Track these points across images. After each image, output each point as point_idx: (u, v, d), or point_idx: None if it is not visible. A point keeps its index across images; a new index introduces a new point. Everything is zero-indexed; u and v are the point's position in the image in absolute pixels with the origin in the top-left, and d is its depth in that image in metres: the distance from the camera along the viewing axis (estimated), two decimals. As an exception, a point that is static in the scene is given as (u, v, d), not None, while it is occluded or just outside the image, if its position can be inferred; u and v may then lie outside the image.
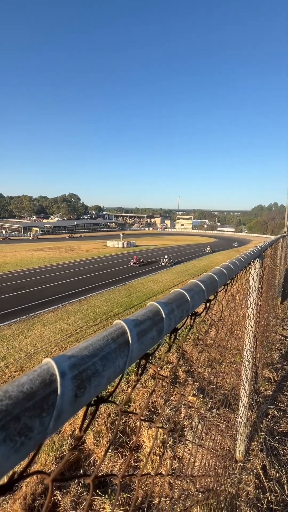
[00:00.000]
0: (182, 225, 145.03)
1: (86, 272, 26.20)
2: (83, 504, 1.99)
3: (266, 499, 1.85)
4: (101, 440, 2.68)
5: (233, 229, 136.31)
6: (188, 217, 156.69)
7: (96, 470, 0.44)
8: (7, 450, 0.24)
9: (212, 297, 0.96)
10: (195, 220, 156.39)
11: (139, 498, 1.94)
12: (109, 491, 2.05)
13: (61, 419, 0.30)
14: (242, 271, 1.66)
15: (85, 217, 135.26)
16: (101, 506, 1.95)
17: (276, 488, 1.93)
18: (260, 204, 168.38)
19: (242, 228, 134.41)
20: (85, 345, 0.38)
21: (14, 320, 14.02)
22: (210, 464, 1.75)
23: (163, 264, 31.58)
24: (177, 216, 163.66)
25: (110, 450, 2.45)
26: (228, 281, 1.21)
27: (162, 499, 1.91)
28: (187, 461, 2.20)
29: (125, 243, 51.19)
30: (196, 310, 0.81)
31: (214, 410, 2.74)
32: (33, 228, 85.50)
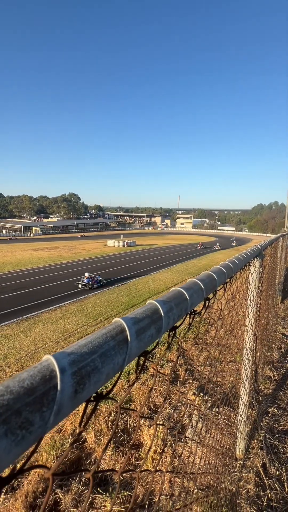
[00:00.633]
0: (183, 224, 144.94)
1: (86, 272, 26.23)
2: (84, 503, 2.00)
3: (266, 497, 1.86)
4: (102, 439, 2.70)
5: (233, 228, 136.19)
6: (188, 216, 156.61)
7: (96, 465, 0.45)
8: (8, 443, 0.25)
9: (211, 295, 0.96)
10: (196, 219, 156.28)
11: (140, 495, 1.95)
12: (110, 489, 2.06)
13: (61, 414, 0.30)
14: (241, 270, 1.66)
15: (85, 216, 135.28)
16: (102, 504, 1.96)
17: (276, 485, 1.94)
18: (261, 203, 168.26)
19: (243, 227, 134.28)
20: (85, 342, 0.39)
21: (15, 319, 14.05)
22: (211, 462, 1.76)
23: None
24: (177, 215, 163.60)
25: (111, 448, 2.46)
26: (228, 280, 1.21)
27: (163, 496, 1.92)
28: (187, 459, 2.21)
29: (125, 242, 51.20)
30: (195, 309, 0.81)
31: (214, 409, 2.75)
32: (33, 228, 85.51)
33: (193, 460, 1.84)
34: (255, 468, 2.10)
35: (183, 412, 2.80)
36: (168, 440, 2.45)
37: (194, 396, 3.04)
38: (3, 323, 13.53)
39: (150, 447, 0.81)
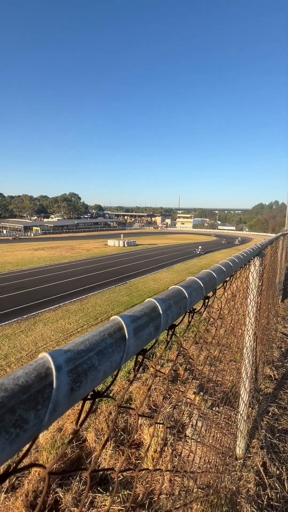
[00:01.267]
0: (183, 223, 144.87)
1: (87, 271, 26.24)
2: (84, 499, 2.00)
3: (266, 496, 1.86)
4: (102, 438, 2.70)
5: (233, 228, 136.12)
6: (188, 215, 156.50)
7: (94, 464, 0.45)
8: (2, 442, 0.24)
9: (210, 294, 0.96)
10: (196, 218, 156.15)
11: (140, 494, 1.95)
12: (110, 488, 2.06)
13: (56, 412, 0.30)
14: (241, 269, 1.66)
15: (86, 216, 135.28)
16: (102, 503, 1.96)
17: (277, 485, 1.94)
18: (261, 202, 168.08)
19: (243, 227, 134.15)
20: (82, 340, 0.38)
21: (15, 319, 14.06)
22: (211, 461, 1.76)
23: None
24: (178, 215, 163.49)
25: (111, 447, 2.46)
26: (227, 279, 1.21)
27: (163, 495, 1.92)
28: (187, 458, 2.21)
29: (125, 242, 51.20)
30: (194, 307, 0.81)
31: (214, 408, 2.74)
32: (34, 228, 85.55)
33: (193, 459, 1.84)
34: (255, 467, 2.09)
35: (183, 411, 2.80)
36: (168, 439, 2.45)
37: (194, 395, 3.04)
38: (4, 323, 13.55)
39: (149, 446, 0.81)
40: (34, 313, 15.00)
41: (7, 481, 2.23)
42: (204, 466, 1.72)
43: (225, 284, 1.19)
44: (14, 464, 0.28)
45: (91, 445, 2.64)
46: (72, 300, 17.33)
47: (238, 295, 1.90)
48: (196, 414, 2.69)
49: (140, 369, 0.57)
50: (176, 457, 2.28)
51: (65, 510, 1.98)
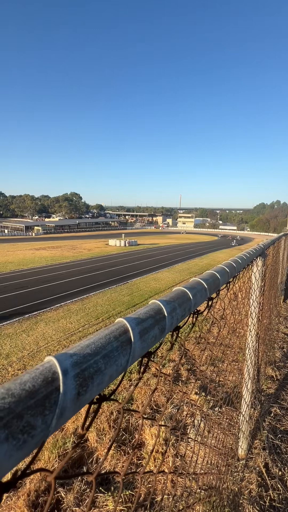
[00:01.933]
0: (184, 223, 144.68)
1: (88, 271, 26.25)
2: (86, 501, 2.00)
3: (268, 497, 1.86)
4: (104, 438, 2.70)
5: (235, 227, 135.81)
6: (190, 215, 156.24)
7: (99, 468, 0.45)
8: (10, 448, 0.24)
9: (214, 295, 0.95)
10: (197, 218, 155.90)
11: (142, 495, 1.95)
12: (112, 488, 2.06)
13: (63, 417, 0.30)
14: (244, 269, 1.65)
15: (87, 216, 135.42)
16: (104, 503, 1.96)
17: (279, 486, 1.93)
18: (262, 202, 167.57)
19: (244, 226, 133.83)
20: (87, 343, 0.38)
21: (16, 319, 14.10)
22: (213, 462, 1.76)
23: None
24: (179, 215, 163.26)
25: (113, 448, 2.46)
26: (230, 279, 1.20)
27: (165, 496, 1.92)
28: (189, 459, 2.21)
29: (126, 242, 51.19)
30: (198, 309, 0.80)
31: (216, 408, 2.74)
32: (35, 227, 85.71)
33: (196, 460, 1.83)
34: (257, 468, 2.09)
35: (185, 412, 2.79)
36: (170, 439, 2.45)
37: (196, 395, 3.04)
38: (6, 322, 13.58)
39: (153, 448, 0.81)
40: (35, 312, 15.02)
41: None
42: (206, 467, 1.72)
43: (228, 285, 1.18)
44: (22, 469, 0.28)
45: (92, 445, 2.64)
46: (73, 300, 17.34)
47: (240, 296, 1.89)
48: (198, 414, 2.69)
49: (143, 371, 0.57)
50: (178, 458, 2.28)
51: (67, 509, 1.99)
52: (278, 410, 2.71)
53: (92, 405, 0.39)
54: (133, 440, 2.56)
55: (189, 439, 2.40)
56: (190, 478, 1.78)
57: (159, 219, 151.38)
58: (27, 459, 0.30)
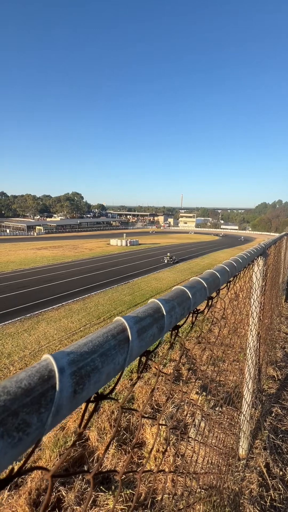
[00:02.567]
0: (185, 223, 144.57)
1: (90, 271, 26.31)
2: (88, 502, 2.01)
3: (269, 497, 1.85)
4: (105, 437, 2.70)
5: (236, 227, 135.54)
6: (191, 215, 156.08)
7: (97, 466, 0.45)
8: (5, 446, 0.24)
9: (214, 294, 0.95)
10: (198, 218, 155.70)
11: (142, 494, 1.95)
12: (113, 487, 2.06)
13: (59, 415, 0.29)
14: (245, 269, 1.64)
15: (88, 215, 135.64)
16: (105, 502, 1.97)
17: (280, 486, 1.93)
18: (264, 202, 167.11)
19: (246, 226, 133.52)
20: (85, 341, 0.38)
21: (18, 318, 14.15)
22: (213, 461, 1.75)
23: None
24: (180, 214, 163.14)
25: (113, 447, 2.47)
26: (231, 279, 1.20)
27: (165, 495, 1.92)
28: (190, 458, 2.21)
29: (128, 241, 51.24)
30: (198, 308, 0.80)
31: (217, 408, 2.73)
32: (37, 227, 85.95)
33: (196, 460, 1.83)
34: (258, 468, 2.08)
35: (186, 411, 2.79)
36: (170, 439, 2.45)
37: (197, 395, 3.03)
38: (7, 322, 13.63)
39: (152, 447, 0.80)
40: (37, 312, 15.08)
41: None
42: (207, 466, 1.72)
43: (228, 284, 1.18)
44: (17, 467, 0.28)
45: (93, 444, 2.65)
46: (74, 299, 17.39)
47: (241, 295, 1.89)
48: (199, 414, 2.69)
49: (142, 369, 0.57)
50: (178, 457, 2.28)
51: (67, 508, 1.99)
52: (279, 410, 2.70)
53: (90, 404, 0.39)
54: (134, 440, 2.56)
55: (190, 439, 2.40)
56: (191, 477, 1.78)
57: (161, 218, 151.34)
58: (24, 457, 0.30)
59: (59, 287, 20.29)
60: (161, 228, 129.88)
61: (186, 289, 0.69)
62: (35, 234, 79.91)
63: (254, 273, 2.13)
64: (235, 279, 1.30)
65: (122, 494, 1.97)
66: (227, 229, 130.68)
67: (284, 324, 5.00)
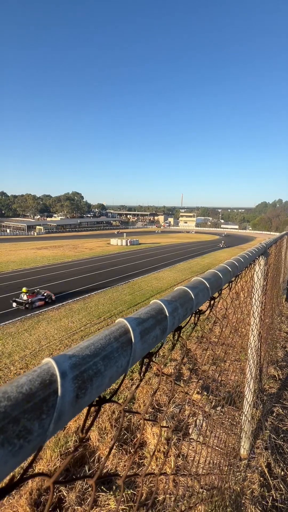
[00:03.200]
0: (186, 222, 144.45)
1: (90, 270, 26.29)
2: (88, 500, 2.00)
3: (271, 497, 1.85)
4: (106, 437, 2.70)
5: (236, 226, 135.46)
6: (191, 214, 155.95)
7: (100, 470, 0.44)
8: (5, 454, 0.23)
9: (216, 294, 0.94)
10: (199, 217, 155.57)
11: (144, 495, 1.94)
12: (114, 487, 2.06)
13: (61, 421, 0.29)
14: (246, 268, 1.63)
15: (89, 215, 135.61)
16: (106, 502, 1.96)
17: (281, 486, 1.92)
18: (264, 201, 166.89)
19: (246, 225, 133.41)
20: (87, 344, 0.37)
21: (18, 318, 14.15)
22: (215, 461, 1.75)
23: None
24: (181, 214, 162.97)
25: (115, 447, 2.46)
26: (233, 279, 1.19)
27: (167, 496, 1.91)
28: (191, 458, 2.20)
29: (128, 241, 51.20)
30: (200, 308, 0.79)
31: (218, 408, 2.73)
32: (37, 227, 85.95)
33: (198, 460, 1.83)
34: (259, 468, 2.08)
35: (187, 412, 2.79)
36: (172, 439, 2.44)
37: (198, 395, 3.03)
38: (8, 321, 13.64)
39: (155, 448, 0.80)
40: (37, 312, 15.07)
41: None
42: (208, 466, 1.71)
43: (230, 284, 1.17)
44: (19, 475, 0.27)
45: (94, 444, 2.64)
46: (75, 299, 17.39)
47: (242, 295, 1.88)
48: (200, 414, 2.68)
49: (144, 371, 0.56)
50: (180, 458, 2.27)
51: (68, 508, 1.99)
52: (280, 410, 2.69)
53: (92, 408, 0.38)
54: (135, 440, 2.56)
55: (191, 439, 2.39)
56: (192, 478, 1.77)
57: (161, 218, 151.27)
58: (24, 464, 0.30)
59: (59, 286, 20.28)
60: (162, 227, 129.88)
61: (188, 290, 0.68)
62: (35, 234, 79.90)
63: (255, 272, 2.13)
64: (236, 278, 1.30)
65: (123, 493, 1.96)
66: (227, 228, 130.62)
67: (284, 323, 4.99)
